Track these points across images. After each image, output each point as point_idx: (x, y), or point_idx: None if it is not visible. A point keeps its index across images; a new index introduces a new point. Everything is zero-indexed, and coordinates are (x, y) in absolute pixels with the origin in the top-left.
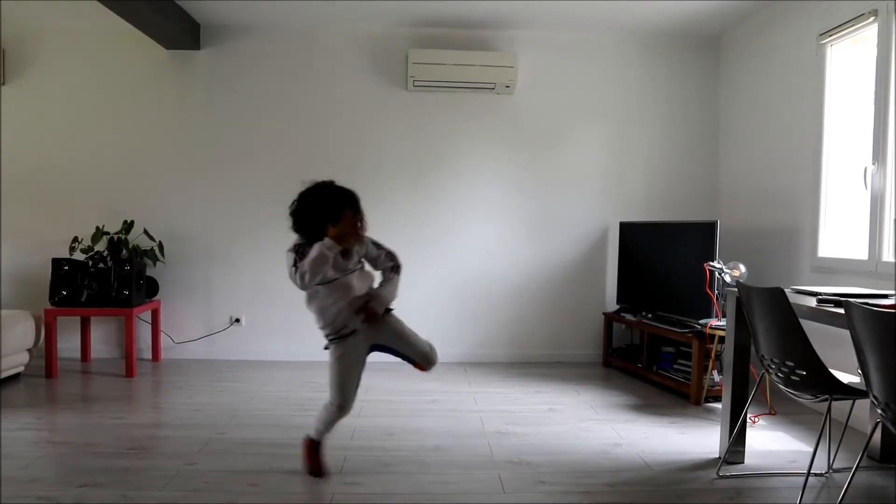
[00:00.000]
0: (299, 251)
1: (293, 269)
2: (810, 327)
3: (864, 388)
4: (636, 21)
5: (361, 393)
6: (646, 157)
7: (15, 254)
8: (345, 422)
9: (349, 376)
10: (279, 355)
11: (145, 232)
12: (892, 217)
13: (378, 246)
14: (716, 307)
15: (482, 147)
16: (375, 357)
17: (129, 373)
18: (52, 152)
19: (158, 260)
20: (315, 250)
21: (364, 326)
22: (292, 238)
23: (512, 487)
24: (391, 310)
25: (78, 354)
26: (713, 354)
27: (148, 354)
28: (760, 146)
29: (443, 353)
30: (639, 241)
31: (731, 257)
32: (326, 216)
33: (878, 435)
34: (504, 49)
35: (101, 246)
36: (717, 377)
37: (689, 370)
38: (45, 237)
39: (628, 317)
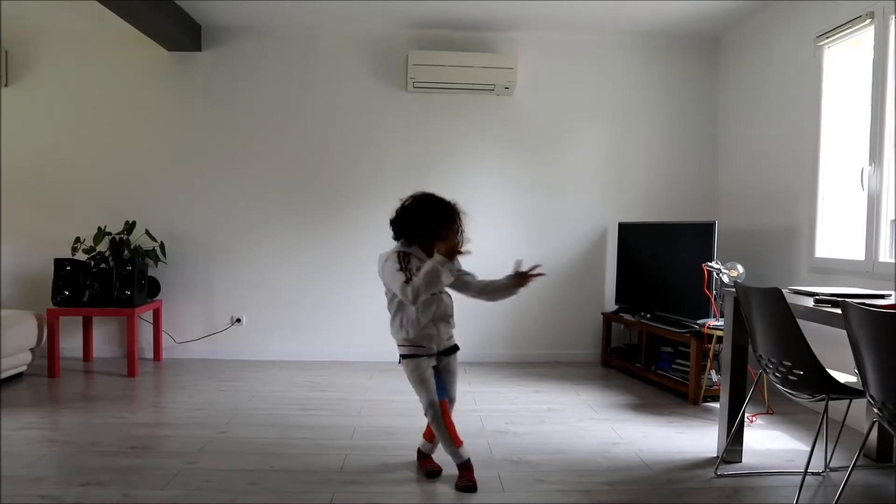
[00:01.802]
0: (404, 260)
1: (405, 284)
2: (807, 327)
3: (860, 387)
4: (636, 22)
5: (361, 393)
6: (645, 157)
7: (17, 254)
8: (345, 421)
9: (426, 380)
10: (280, 355)
11: (147, 232)
12: (889, 217)
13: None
14: (714, 307)
15: (482, 148)
16: (375, 357)
17: (131, 372)
18: (54, 153)
19: (160, 260)
20: (429, 266)
21: (434, 354)
22: (295, 238)
23: (511, 486)
24: (457, 349)
25: (80, 354)
26: (711, 354)
27: (149, 354)
28: (758, 147)
29: None
30: (637, 242)
31: (729, 258)
32: (435, 230)
33: (874, 434)
34: (503, 50)
35: (102, 246)
36: (715, 377)
37: (688, 370)
38: (47, 237)
39: (627, 317)
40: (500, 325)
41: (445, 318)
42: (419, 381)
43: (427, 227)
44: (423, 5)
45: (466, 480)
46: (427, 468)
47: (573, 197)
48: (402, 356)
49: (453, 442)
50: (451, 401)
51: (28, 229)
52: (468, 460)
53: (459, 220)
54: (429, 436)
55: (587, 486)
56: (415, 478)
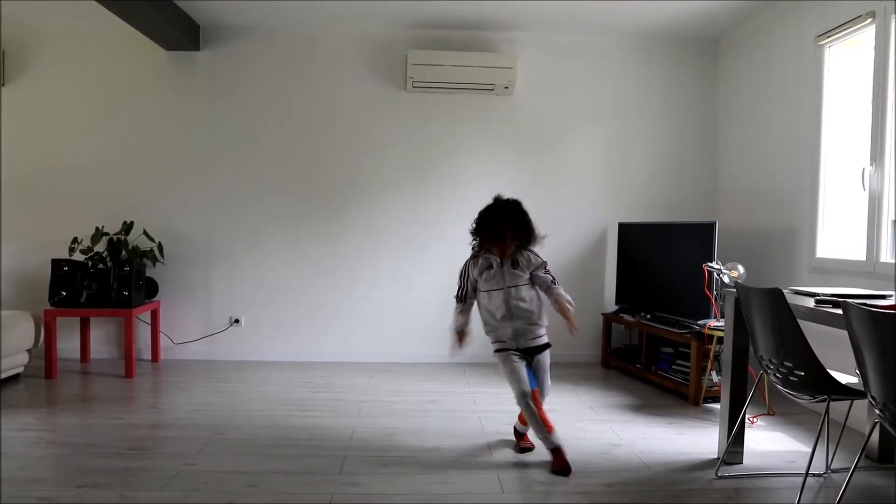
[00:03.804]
0: (466, 272)
1: (455, 297)
2: (808, 328)
3: (862, 388)
4: (635, 23)
5: (360, 394)
6: (644, 158)
7: (15, 254)
8: (344, 422)
9: (516, 370)
10: (279, 356)
11: (145, 233)
12: (891, 218)
13: (547, 272)
14: (714, 308)
15: (481, 148)
16: (376, 358)
17: (129, 373)
18: (51, 153)
19: (158, 261)
20: (454, 321)
21: (520, 350)
22: (294, 238)
23: (511, 488)
24: (549, 346)
25: (77, 355)
26: (712, 355)
27: (147, 355)
28: (759, 147)
29: (442, 353)
30: (637, 242)
31: (730, 258)
32: (484, 239)
33: (875, 435)
34: (503, 50)
35: (100, 247)
36: (715, 378)
37: (688, 371)
38: (44, 238)
39: (627, 317)
40: None
41: (519, 317)
42: (508, 373)
43: (480, 235)
44: (422, 5)
45: (558, 465)
46: (521, 445)
47: (573, 197)
48: (495, 350)
49: (545, 428)
50: (542, 394)
51: (25, 229)
52: (559, 446)
53: (507, 231)
54: (522, 419)
55: (587, 488)
56: (414, 479)
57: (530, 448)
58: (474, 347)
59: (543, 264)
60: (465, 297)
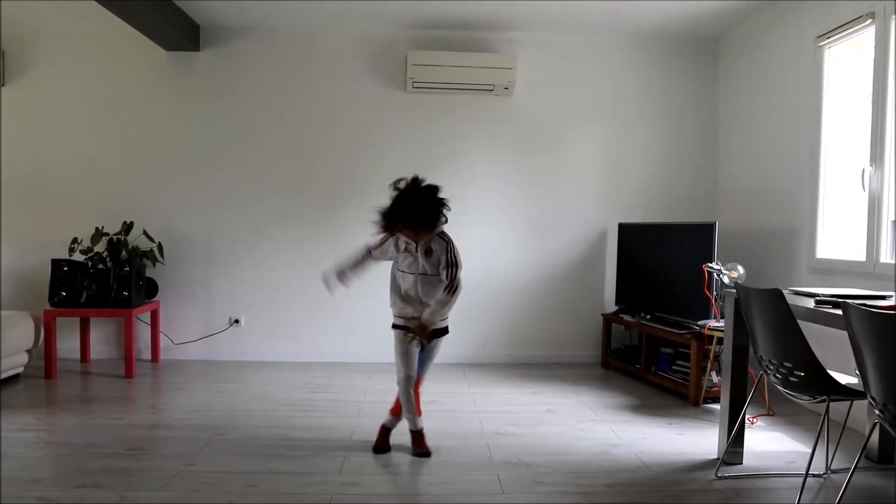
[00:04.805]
0: (383, 238)
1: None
2: (808, 328)
3: (861, 388)
4: (635, 23)
5: (360, 394)
6: (644, 158)
7: (14, 254)
8: (344, 422)
9: (409, 353)
10: (278, 356)
11: (145, 233)
12: (890, 218)
13: (453, 266)
14: (714, 308)
15: (481, 148)
16: (376, 358)
17: (129, 373)
18: (51, 153)
19: (158, 261)
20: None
21: (416, 331)
22: (294, 239)
23: (510, 488)
24: (446, 333)
25: (77, 355)
26: (711, 355)
27: (147, 355)
28: (759, 147)
29: (442, 354)
30: (637, 243)
31: (730, 258)
32: (393, 224)
33: (875, 436)
34: (503, 51)
35: (100, 247)
36: (715, 378)
37: (688, 371)
38: (44, 238)
39: (627, 318)
40: (500, 327)
41: (421, 299)
42: (401, 353)
43: (396, 221)
44: (422, 5)
45: (421, 447)
46: (381, 446)
47: (573, 197)
48: (392, 325)
49: (416, 412)
50: (423, 375)
51: (25, 230)
52: (422, 429)
53: (411, 222)
54: (396, 412)
55: (587, 488)
56: (414, 480)
57: (389, 449)
58: (473, 349)
59: (452, 263)
60: (373, 251)
